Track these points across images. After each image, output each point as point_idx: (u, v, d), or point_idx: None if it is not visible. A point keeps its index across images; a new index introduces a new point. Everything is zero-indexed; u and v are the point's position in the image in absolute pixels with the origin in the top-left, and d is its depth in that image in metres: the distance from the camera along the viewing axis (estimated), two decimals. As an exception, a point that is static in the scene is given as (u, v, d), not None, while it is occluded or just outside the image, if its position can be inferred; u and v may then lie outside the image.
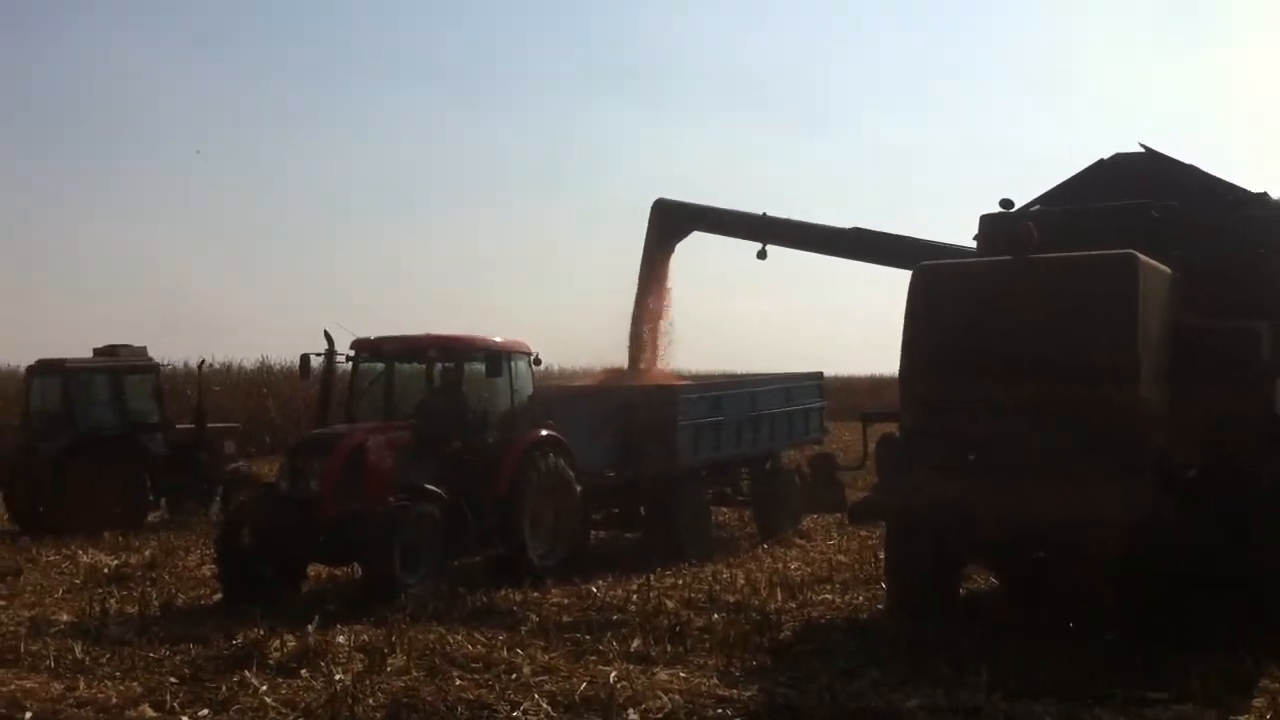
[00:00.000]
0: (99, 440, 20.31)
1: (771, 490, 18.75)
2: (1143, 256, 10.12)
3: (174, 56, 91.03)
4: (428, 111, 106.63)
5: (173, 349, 37.97)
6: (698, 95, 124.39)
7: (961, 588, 12.50)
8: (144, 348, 22.19)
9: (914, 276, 11.10)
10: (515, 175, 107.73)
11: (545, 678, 9.28)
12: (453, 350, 14.67)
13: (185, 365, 32.79)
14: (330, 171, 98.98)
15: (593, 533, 17.04)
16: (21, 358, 35.24)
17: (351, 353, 14.94)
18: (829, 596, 12.75)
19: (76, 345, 36.04)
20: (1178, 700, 8.31)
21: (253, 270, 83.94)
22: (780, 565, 15.04)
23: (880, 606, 12.10)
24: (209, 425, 22.27)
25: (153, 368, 21.89)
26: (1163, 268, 10.60)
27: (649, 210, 19.89)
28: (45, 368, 21.10)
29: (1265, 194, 11.88)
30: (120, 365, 21.31)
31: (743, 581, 13.66)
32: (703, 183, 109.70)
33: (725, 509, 19.56)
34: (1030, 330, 10.33)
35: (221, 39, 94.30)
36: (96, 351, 21.79)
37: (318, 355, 14.83)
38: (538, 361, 15.60)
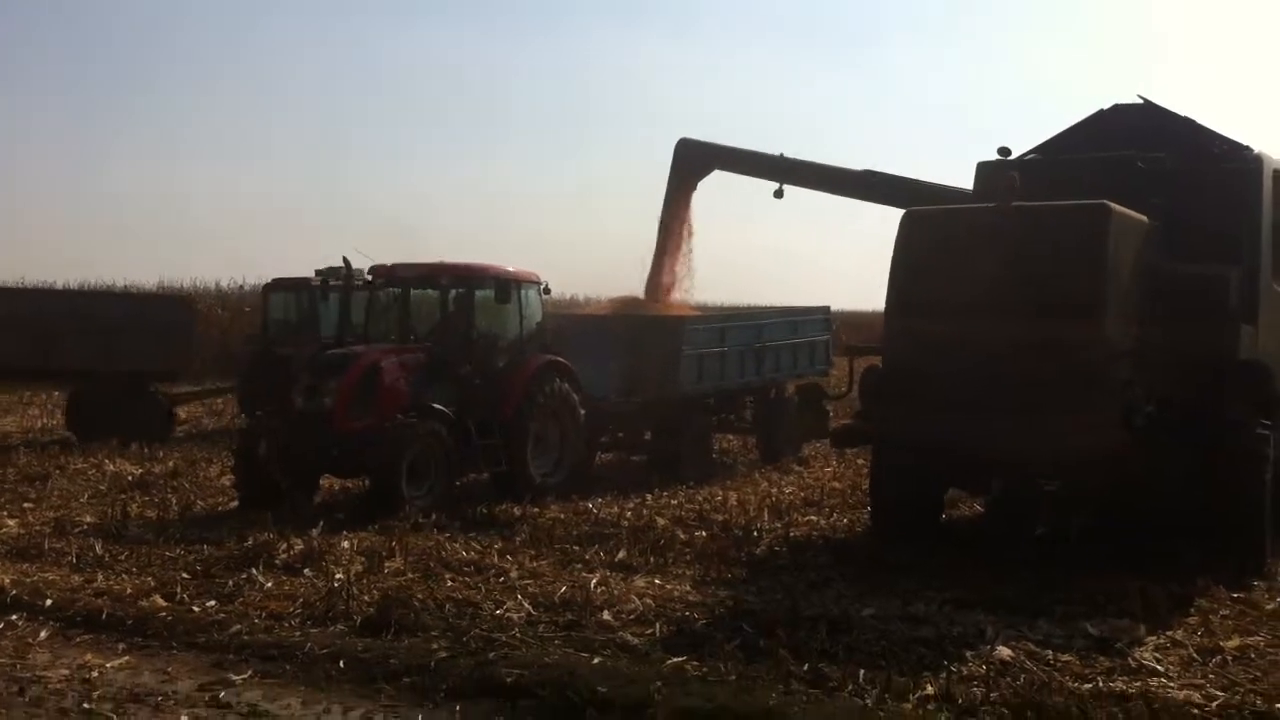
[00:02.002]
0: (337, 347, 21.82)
1: (774, 418, 19.29)
2: (1117, 207, 10.51)
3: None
4: (453, 40, 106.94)
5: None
6: (726, 24, 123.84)
7: (946, 513, 13.03)
8: (361, 269, 23.77)
9: (901, 222, 11.56)
10: (539, 106, 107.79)
11: (530, 581, 9.94)
12: (464, 277, 15.24)
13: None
14: (359, 100, 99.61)
15: (599, 455, 17.67)
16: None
17: (370, 278, 15.57)
18: (814, 518, 13.29)
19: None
20: (1117, 615, 8.85)
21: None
22: (774, 489, 15.60)
23: (860, 529, 12.63)
24: None
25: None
26: (1138, 216, 10.97)
27: (672, 148, 20.49)
28: (284, 285, 23.71)
29: (1248, 147, 12.20)
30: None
31: (734, 503, 14.25)
32: (730, 116, 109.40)
33: (730, 435, 20.15)
34: (1006, 274, 10.73)
35: None
36: (317, 272, 23.46)
37: (337, 280, 15.46)
38: (547, 290, 16.19)
